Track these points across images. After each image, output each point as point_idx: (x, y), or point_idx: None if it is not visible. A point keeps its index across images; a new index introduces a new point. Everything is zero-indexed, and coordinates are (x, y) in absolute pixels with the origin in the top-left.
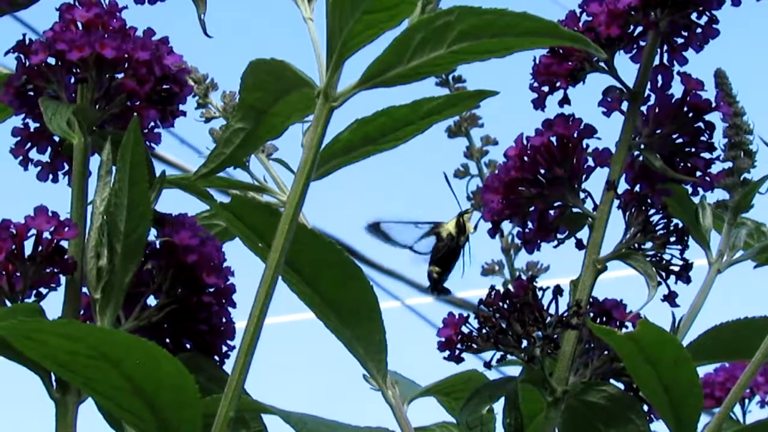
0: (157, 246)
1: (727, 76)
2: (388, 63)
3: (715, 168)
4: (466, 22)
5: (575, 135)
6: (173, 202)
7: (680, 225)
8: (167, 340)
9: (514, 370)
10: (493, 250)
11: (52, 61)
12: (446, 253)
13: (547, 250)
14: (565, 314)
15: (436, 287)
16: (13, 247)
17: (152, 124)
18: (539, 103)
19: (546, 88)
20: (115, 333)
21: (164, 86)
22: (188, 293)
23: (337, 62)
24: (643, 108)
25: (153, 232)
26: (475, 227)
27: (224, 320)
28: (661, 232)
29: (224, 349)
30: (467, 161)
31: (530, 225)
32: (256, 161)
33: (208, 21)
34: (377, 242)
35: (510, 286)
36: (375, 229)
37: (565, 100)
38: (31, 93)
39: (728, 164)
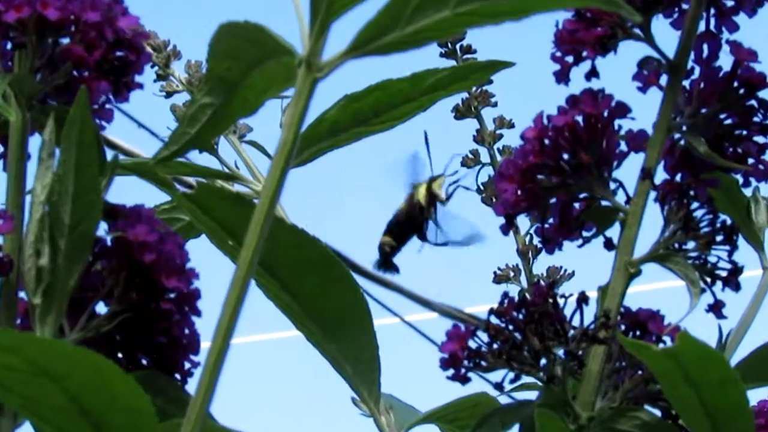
0: (109, 243)
1: None
2: (382, 27)
3: None
4: None
5: (605, 114)
6: (128, 191)
7: (728, 222)
8: (120, 355)
9: (531, 393)
10: (508, 253)
11: None
12: (405, 224)
13: (571, 254)
14: (592, 326)
15: (385, 262)
16: None
17: (103, 98)
18: (562, 76)
19: (570, 59)
20: (57, 344)
21: (117, 53)
22: (145, 299)
23: (322, 26)
24: (686, 83)
25: (103, 226)
26: (448, 197)
27: (187, 332)
28: (706, 229)
29: (187, 365)
30: (477, 147)
31: (551, 220)
32: (226, 144)
33: None
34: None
35: (527, 294)
36: None
37: (593, 73)
38: None
39: None
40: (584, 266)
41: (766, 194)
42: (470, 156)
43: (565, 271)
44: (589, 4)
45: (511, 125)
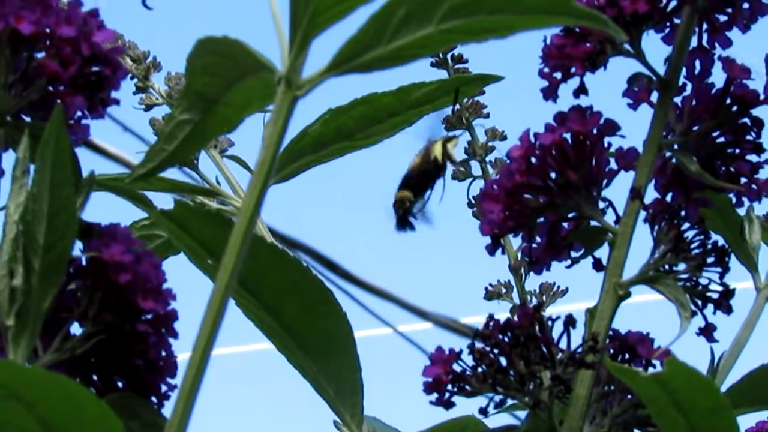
0: (83, 263)
1: None
2: (364, 43)
3: (764, 173)
4: None
5: (594, 132)
6: (106, 206)
7: (720, 243)
8: (95, 377)
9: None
10: (499, 269)
11: None
12: (421, 177)
13: (565, 270)
14: (579, 350)
15: (403, 219)
16: None
17: (79, 113)
18: (550, 93)
19: (558, 75)
20: (29, 370)
21: (93, 68)
22: (120, 320)
23: (302, 42)
24: (677, 99)
25: (79, 245)
26: (461, 161)
27: (163, 354)
28: (697, 251)
29: (163, 388)
30: (469, 159)
31: (538, 240)
32: (206, 158)
33: None
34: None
35: (513, 316)
36: None
37: (581, 90)
38: None
39: None
40: (578, 280)
41: (760, 212)
42: (461, 169)
43: (558, 287)
44: (575, 23)
45: (504, 137)
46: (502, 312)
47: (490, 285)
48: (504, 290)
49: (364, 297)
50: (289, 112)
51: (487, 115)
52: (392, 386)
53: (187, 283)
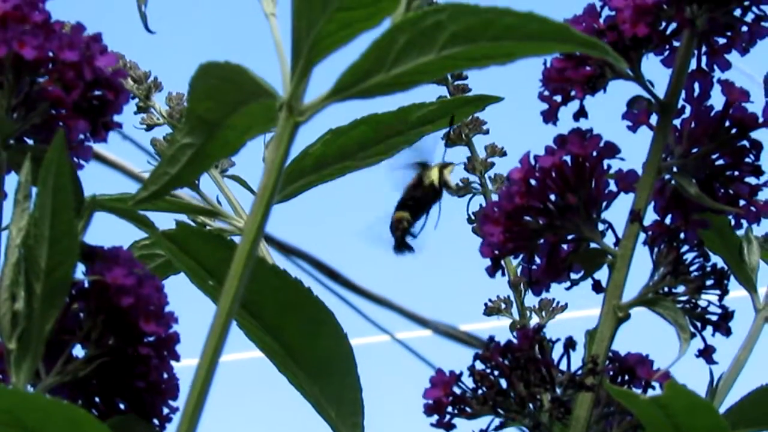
0: (86, 285)
1: None
2: (365, 70)
3: (763, 195)
4: (461, 23)
5: (594, 155)
6: (108, 223)
7: (719, 265)
8: (97, 399)
9: None
10: (499, 284)
11: None
12: (422, 199)
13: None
14: (579, 372)
15: (402, 241)
16: None
17: (82, 136)
18: (550, 116)
19: (558, 98)
20: (31, 396)
21: (96, 92)
22: (122, 343)
23: (304, 69)
24: (677, 122)
25: (81, 267)
26: (456, 187)
27: (165, 376)
28: (696, 273)
29: (165, 411)
30: (469, 175)
31: (538, 261)
32: (208, 179)
33: (154, 13)
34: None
35: (514, 332)
36: None
37: (581, 113)
38: None
39: None
40: (579, 296)
41: (760, 233)
42: (461, 184)
43: (558, 303)
44: (575, 50)
45: (503, 153)
46: (504, 319)
47: (490, 301)
48: (503, 306)
49: (365, 305)
50: (291, 138)
51: (487, 131)
52: (390, 393)
53: (186, 304)
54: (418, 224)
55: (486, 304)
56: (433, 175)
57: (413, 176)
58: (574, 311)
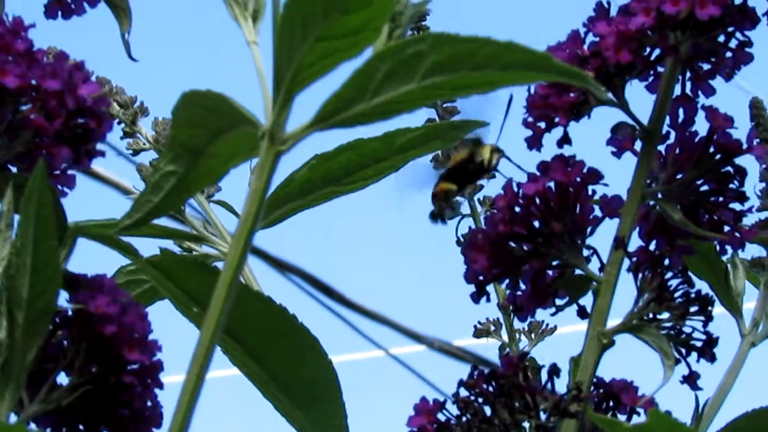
0: (69, 313)
1: (764, 106)
2: (347, 99)
3: (749, 220)
4: (442, 52)
5: (577, 181)
6: (96, 244)
7: (703, 291)
8: (81, 427)
9: None
10: (488, 306)
11: None
12: (471, 174)
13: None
14: (563, 399)
15: (441, 210)
16: None
17: (65, 164)
18: (534, 142)
19: (542, 124)
20: (13, 428)
21: (78, 121)
22: (106, 371)
23: (285, 98)
24: (662, 148)
25: (65, 295)
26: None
27: (149, 404)
28: (680, 300)
29: None
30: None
31: (523, 287)
32: (193, 203)
33: (138, 41)
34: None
35: (510, 356)
36: None
37: (564, 140)
38: None
39: (766, 214)
40: (570, 311)
41: (747, 254)
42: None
43: (547, 325)
44: (557, 79)
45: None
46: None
47: (479, 323)
48: (493, 328)
49: (359, 320)
50: (273, 166)
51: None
52: (383, 409)
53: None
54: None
55: (475, 327)
56: (485, 153)
57: (463, 150)
58: (568, 326)
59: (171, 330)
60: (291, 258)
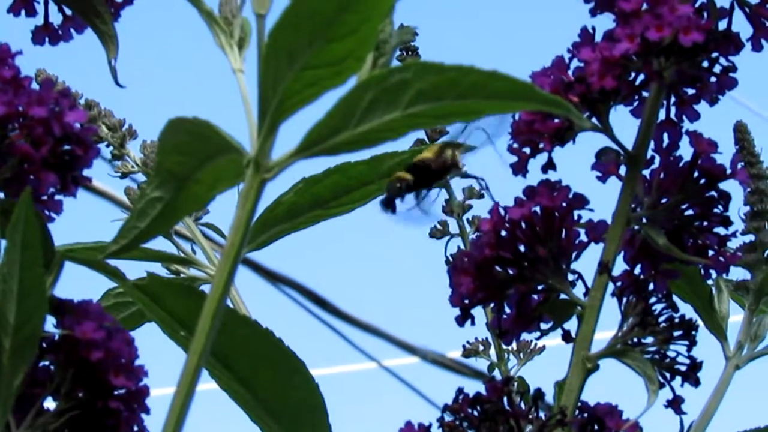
0: (56, 338)
1: (748, 130)
2: (332, 127)
3: (733, 243)
4: (426, 81)
5: (563, 206)
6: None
7: (687, 316)
8: None
9: None
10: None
11: None
12: (427, 170)
13: None
14: (548, 424)
15: (391, 201)
16: None
17: (52, 189)
18: (519, 168)
19: (527, 150)
20: None
21: (65, 148)
22: (92, 397)
23: (270, 126)
24: (646, 172)
25: (51, 320)
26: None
27: (136, 429)
28: (664, 324)
29: None
30: (446, 218)
31: (508, 311)
32: (181, 225)
33: (126, 68)
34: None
35: (497, 379)
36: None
37: (549, 165)
38: None
39: (750, 237)
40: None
41: (734, 277)
42: (439, 227)
43: (536, 345)
44: (537, 107)
45: (481, 196)
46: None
47: (468, 343)
48: (482, 348)
49: (353, 332)
50: (258, 194)
51: (465, 174)
52: (376, 421)
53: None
54: (420, 196)
55: (464, 347)
56: (450, 153)
57: (434, 146)
58: (557, 339)
59: (162, 343)
60: (284, 270)
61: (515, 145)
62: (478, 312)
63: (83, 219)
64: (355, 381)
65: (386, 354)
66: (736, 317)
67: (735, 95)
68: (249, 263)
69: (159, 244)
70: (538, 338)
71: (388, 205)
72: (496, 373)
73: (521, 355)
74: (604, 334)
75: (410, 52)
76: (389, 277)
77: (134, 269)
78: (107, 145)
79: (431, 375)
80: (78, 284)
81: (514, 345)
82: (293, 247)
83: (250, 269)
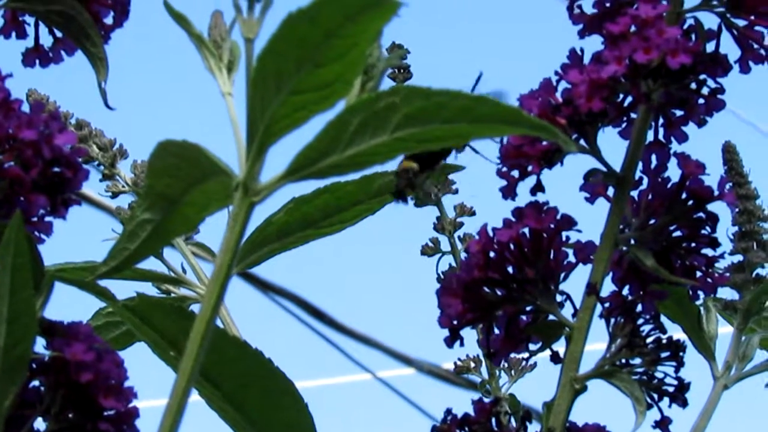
0: (46, 359)
1: (737, 151)
2: (320, 150)
3: (721, 264)
4: (414, 105)
5: (551, 227)
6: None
7: (675, 337)
8: None
9: None
10: (469, 344)
11: None
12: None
13: None
14: None
15: (404, 191)
16: None
17: (42, 211)
18: (509, 192)
19: (516, 173)
20: None
21: (54, 170)
22: (82, 418)
23: (259, 150)
24: (634, 193)
25: (42, 341)
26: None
27: None
28: (652, 345)
29: None
30: (438, 235)
31: (497, 332)
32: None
33: (117, 89)
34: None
35: (485, 398)
36: None
37: (537, 187)
38: None
39: (738, 257)
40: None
41: (722, 296)
42: (430, 245)
43: (527, 362)
44: (525, 132)
45: (472, 213)
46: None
47: (459, 360)
48: (473, 365)
49: (348, 343)
50: (247, 217)
51: (456, 191)
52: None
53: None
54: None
55: (455, 364)
56: None
57: None
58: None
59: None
60: (279, 281)
61: (504, 169)
62: (469, 329)
63: (80, 229)
64: (351, 392)
65: (381, 365)
66: (724, 329)
67: (740, 112)
68: (244, 274)
69: (150, 263)
70: (526, 359)
71: (400, 196)
72: (493, 382)
73: (513, 372)
74: (595, 346)
75: (402, 71)
76: (384, 288)
77: (125, 288)
78: (98, 165)
79: (427, 386)
80: (70, 302)
81: (505, 362)
82: (288, 258)
83: (244, 280)
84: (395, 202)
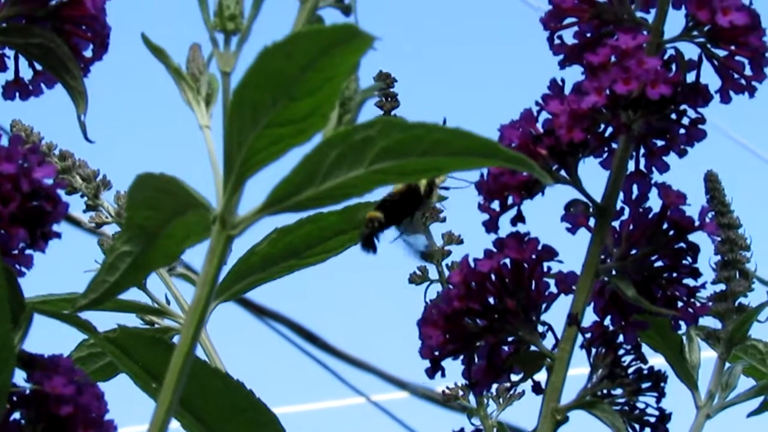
0: (26, 393)
1: (719, 179)
2: (297, 184)
3: (703, 293)
4: (390, 138)
5: (532, 258)
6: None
7: (655, 368)
8: None
9: None
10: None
11: None
12: (398, 204)
13: None
14: None
15: (368, 239)
16: None
17: (22, 244)
18: (491, 226)
19: (497, 206)
20: None
21: (34, 203)
22: None
23: (236, 183)
24: (616, 223)
25: (22, 374)
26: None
27: None
28: (633, 376)
29: None
30: (426, 264)
31: (478, 362)
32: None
33: (97, 120)
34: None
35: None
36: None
37: (518, 218)
38: None
39: (721, 286)
40: None
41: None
42: (418, 273)
43: (515, 390)
44: (501, 164)
45: (460, 241)
46: None
47: (447, 388)
48: (461, 393)
49: (342, 367)
50: (224, 250)
51: (444, 219)
52: None
53: None
54: (402, 228)
55: (443, 392)
56: (421, 182)
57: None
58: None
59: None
60: (272, 305)
61: (485, 203)
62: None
63: (72, 252)
64: (345, 415)
65: (375, 389)
66: (708, 353)
67: (735, 135)
68: (239, 299)
69: (133, 293)
70: (508, 389)
71: (368, 246)
72: (482, 410)
73: (501, 400)
74: (578, 371)
75: (389, 99)
76: (378, 312)
77: (111, 318)
78: (81, 196)
79: (420, 410)
80: (56, 332)
81: (493, 390)
82: (281, 282)
83: (237, 304)
84: (363, 251)
